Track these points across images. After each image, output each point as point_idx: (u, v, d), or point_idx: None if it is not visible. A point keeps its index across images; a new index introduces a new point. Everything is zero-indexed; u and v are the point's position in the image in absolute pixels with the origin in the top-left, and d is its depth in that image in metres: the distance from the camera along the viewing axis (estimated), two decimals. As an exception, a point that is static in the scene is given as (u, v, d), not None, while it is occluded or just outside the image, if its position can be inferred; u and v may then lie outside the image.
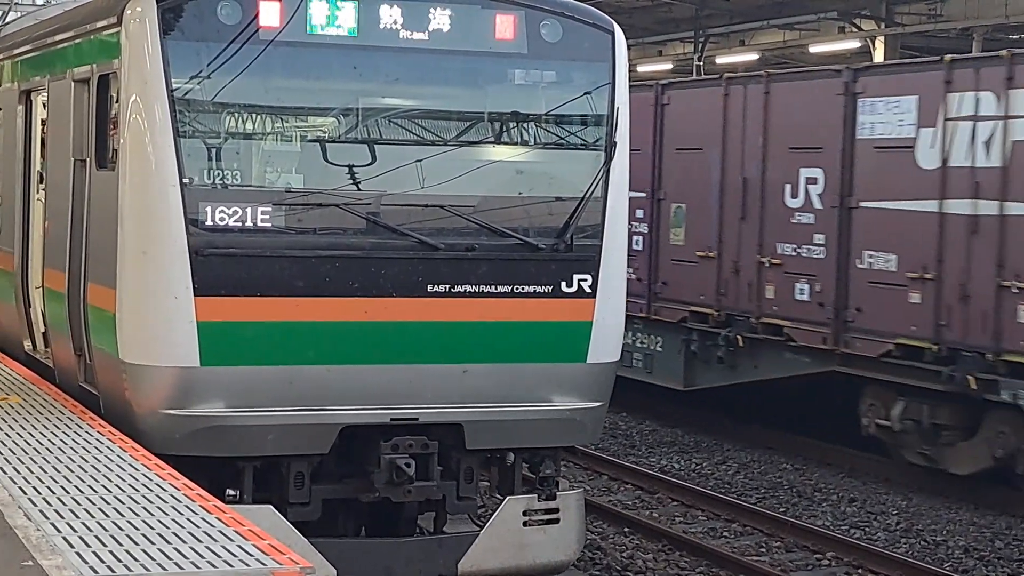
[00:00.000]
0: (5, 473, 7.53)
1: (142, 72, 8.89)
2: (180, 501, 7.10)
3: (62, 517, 6.67)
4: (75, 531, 6.43)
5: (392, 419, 9.26)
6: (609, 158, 9.71)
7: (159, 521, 6.66)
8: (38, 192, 11.57)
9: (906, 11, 32.12)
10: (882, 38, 32.02)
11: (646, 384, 19.27)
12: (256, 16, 8.90)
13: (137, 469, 7.81)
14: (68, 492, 7.18)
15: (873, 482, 15.79)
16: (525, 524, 9.77)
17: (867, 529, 13.87)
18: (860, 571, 12.41)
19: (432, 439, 9.36)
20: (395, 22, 9.23)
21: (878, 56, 31.05)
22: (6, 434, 8.62)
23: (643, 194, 18.39)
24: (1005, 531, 13.84)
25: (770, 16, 33.52)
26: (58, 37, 10.92)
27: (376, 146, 9.35)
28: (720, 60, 35.90)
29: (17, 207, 11.73)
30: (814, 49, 33.60)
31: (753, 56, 35.07)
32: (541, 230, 9.58)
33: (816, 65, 18.67)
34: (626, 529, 13.54)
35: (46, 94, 11.23)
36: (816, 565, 12.67)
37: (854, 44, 32.77)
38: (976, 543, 13.37)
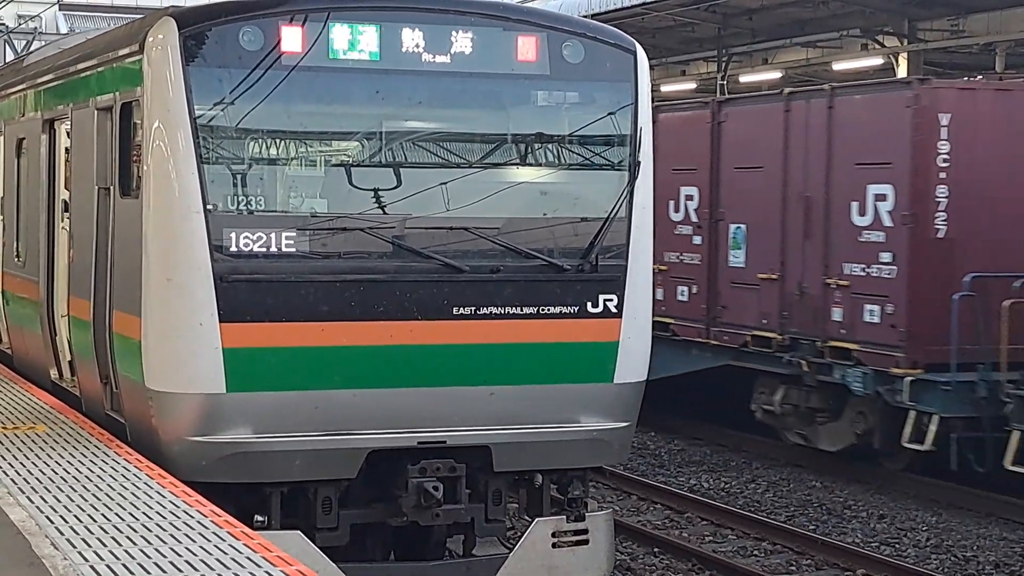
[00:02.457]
0: (32, 502, 7.54)
1: (165, 99, 8.91)
2: (207, 528, 7.09)
3: (89, 546, 6.66)
4: (102, 559, 6.42)
5: (419, 442, 9.23)
6: (633, 178, 9.68)
7: (187, 548, 6.65)
8: (62, 221, 11.61)
9: (928, 27, 32.04)
10: (905, 55, 31.93)
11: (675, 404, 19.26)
12: (278, 42, 8.92)
13: (164, 496, 7.81)
14: (95, 520, 7.18)
15: (903, 499, 15.69)
16: (554, 546, 9.72)
17: (897, 546, 13.77)
18: (892, 589, 12.33)
19: (460, 462, 9.33)
20: (417, 45, 9.23)
21: (901, 72, 30.96)
22: (33, 463, 8.63)
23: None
24: (1038, 547, 13.75)
25: (792, 34, 33.44)
26: (81, 66, 10.96)
27: (400, 169, 9.35)
28: (744, 79, 35.85)
29: (42, 236, 11.78)
30: (837, 67, 33.52)
31: (776, 74, 35.00)
32: (566, 251, 9.55)
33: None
34: (656, 549, 13.47)
35: (69, 123, 11.27)
36: (847, 584, 12.59)
37: (877, 61, 32.69)
38: (1007, 558, 13.26)
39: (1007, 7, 28.17)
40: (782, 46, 34.97)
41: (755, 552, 13.56)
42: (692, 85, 39.25)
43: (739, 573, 12.58)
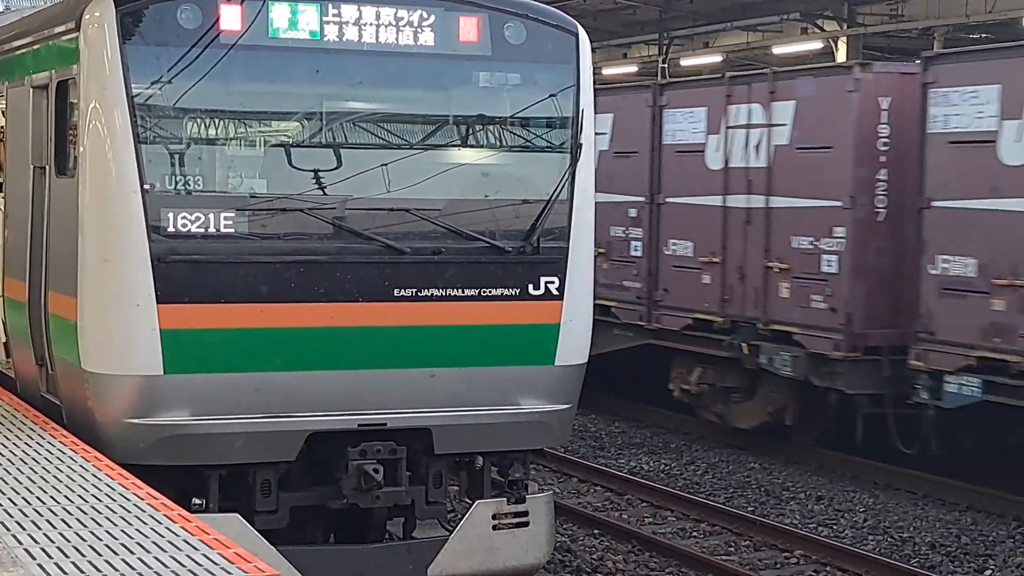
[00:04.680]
0: (-34, 485, 7.44)
1: (101, 78, 8.80)
2: (144, 511, 7.02)
3: (24, 528, 6.58)
4: (37, 543, 6.34)
5: (360, 425, 9.20)
6: (575, 160, 9.67)
7: (123, 531, 6.58)
8: (-3, 200, 11.46)
9: (868, 12, 32.26)
10: (844, 39, 32.14)
11: (615, 385, 19.41)
12: (217, 20, 8.82)
13: (100, 479, 7.73)
14: (30, 503, 7.09)
15: (840, 480, 15.83)
16: (495, 528, 9.73)
17: (835, 527, 13.89)
18: (828, 569, 12.43)
19: (400, 444, 9.30)
20: (358, 24, 9.16)
21: (840, 56, 31.17)
22: (-33, 445, 8.52)
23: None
24: (971, 526, 13.89)
25: (733, 18, 33.61)
26: (16, 43, 10.81)
27: (340, 150, 9.28)
28: (684, 62, 35.98)
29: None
30: (777, 51, 33.70)
31: (717, 58, 35.16)
32: (508, 233, 9.53)
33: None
34: (596, 531, 13.52)
35: (4, 101, 11.11)
36: (784, 563, 12.68)
37: (817, 45, 32.89)
38: (943, 539, 13.41)
39: (945, -8, 28.43)
40: (723, 30, 35.15)
41: (694, 533, 13.63)
42: (634, 68, 39.35)
43: (678, 554, 12.64)
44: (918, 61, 15.31)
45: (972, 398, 14.02)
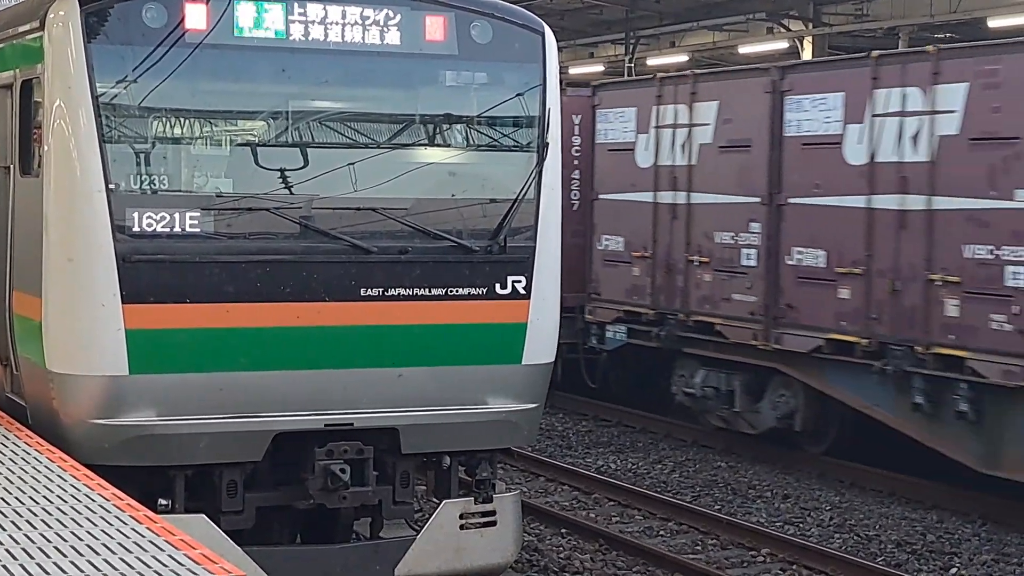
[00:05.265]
0: (-71, 486, 7.39)
1: (66, 77, 8.75)
2: (110, 512, 6.99)
3: (-12, 530, 6.54)
4: (1, 544, 6.31)
5: (326, 424, 9.18)
6: (541, 159, 9.69)
7: (88, 532, 6.55)
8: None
9: (833, 11, 32.41)
10: (810, 38, 32.28)
11: (582, 385, 19.57)
12: (182, 19, 8.79)
13: (65, 480, 7.68)
14: (-5, 504, 7.05)
15: (807, 479, 15.89)
16: (462, 527, 9.73)
17: (801, 525, 13.95)
18: (795, 567, 12.47)
19: (367, 444, 9.29)
20: (324, 23, 9.15)
21: (806, 55, 31.30)
22: (-69, 446, 8.46)
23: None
24: (936, 524, 13.97)
25: (699, 17, 33.70)
26: (-20, 42, 10.73)
27: (307, 149, 9.27)
28: (651, 61, 36.05)
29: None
30: (743, 50, 33.82)
31: (684, 57, 35.25)
32: (474, 232, 9.54)
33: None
34: (563, 530, 13.53)
35: (-32, 100, 11.03)
36: (751, 562, 12.72)
37: (783, 44, 33.02)
38: (908, 537, 13.48)
39: (910, -8, 28.59)
40: (689, 29, 35.23)
41: (661, 532, 13.66)
42: (600, 68, 39.40)
43: (645, 553, 12.67)
44: (591, 86, 19.40)
45: (620, 341, 18.68)
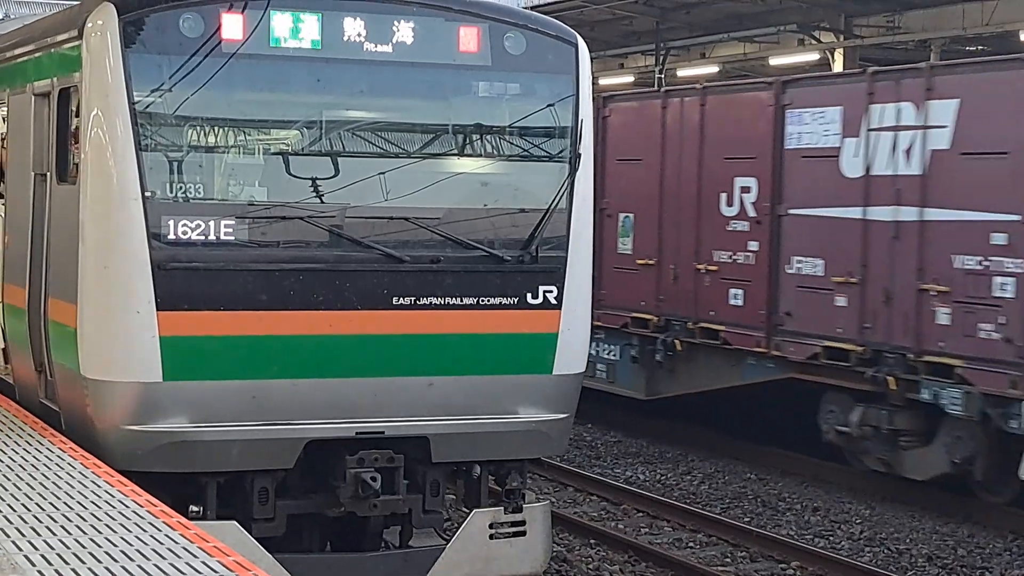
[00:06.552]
0: (-35, 491, 7.45)
1: (103, 85, 8.82)
2: (143, 518, 7.03)
3: (23, 535, 6.59)
4: (36, 549, 6.35)
5: (357, 433, 9.21)
6: (574, 170, 9.70)
7: (122, 538, 6.59)
8: (-3, 207, 11.47)
9: (864, 23, 32.31)
10: (841, 50, 32.20)
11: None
12: (219, 29, 8.85)
13: (99, 486, 7.73)
14: (29, 510, 7.10)
15: (836, 491, 15.84)
16: (491, 537, 9.73)
17: (831, 538, 13.90)
18: (825, 581, 12.44)
19: (398, 452, 9.31)
20: (358, 34, 9.20)
21: (837, 67, 31.19)
22: (-34, 451, 8.53)
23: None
24: (967, 539, 13.91)
25: (730, 29, 33.63)
26: (18, 51, 10.83)
27: (340, 159, 9.31)
28: (681, 73, 36.01)
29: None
30: (774, 61, 33.75)
31: (714, 68, 35.21)
32: (506, 242, 9.56)
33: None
34: (592, 541, 13.52)
35: (6, 108, 11.13)
36: (781, 574, 12.69)
37: (813, 56, 32.95)
38: (939, 551, 13.42)
39: (942, 4, 28.47)
40: (720, 40, 35.16)
41: (690, 544, 13.64)
42: (630, 78, 39.40)
43: (674, 565, 12.65)
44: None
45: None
